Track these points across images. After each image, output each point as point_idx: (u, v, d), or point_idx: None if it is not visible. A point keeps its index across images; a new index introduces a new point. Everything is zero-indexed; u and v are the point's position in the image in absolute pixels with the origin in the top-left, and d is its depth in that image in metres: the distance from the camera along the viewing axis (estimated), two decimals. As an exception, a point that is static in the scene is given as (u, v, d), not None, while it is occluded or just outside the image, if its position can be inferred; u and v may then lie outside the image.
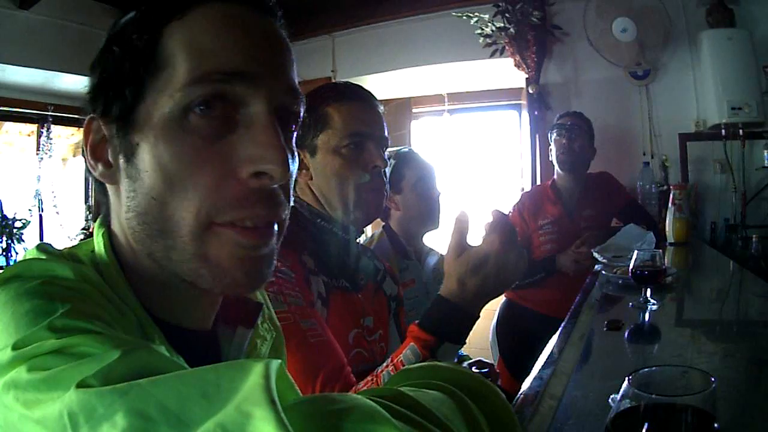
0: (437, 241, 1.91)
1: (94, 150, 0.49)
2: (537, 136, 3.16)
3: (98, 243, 0.50)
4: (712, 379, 0.42)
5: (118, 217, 0.50)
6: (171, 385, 0.31)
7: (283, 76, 0.48)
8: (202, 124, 0.45)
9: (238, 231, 0.46)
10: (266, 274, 0.48)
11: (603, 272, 1.77)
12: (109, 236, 0.51)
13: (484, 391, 0.43)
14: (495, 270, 0.78)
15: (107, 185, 0.51)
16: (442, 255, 1.88)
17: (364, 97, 1.06)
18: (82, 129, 0.50)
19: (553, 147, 2.43)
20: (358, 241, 1.15)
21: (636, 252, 1.31)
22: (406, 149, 1.81)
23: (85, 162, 0.50)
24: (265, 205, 0.46)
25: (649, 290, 1.31)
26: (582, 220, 2.36)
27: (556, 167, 2.44)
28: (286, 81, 0.48)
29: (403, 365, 0.79)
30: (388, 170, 1.66)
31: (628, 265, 1.35)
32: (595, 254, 1.95)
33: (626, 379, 0.43)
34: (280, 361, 0.32)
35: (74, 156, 3.98)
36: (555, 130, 2.41)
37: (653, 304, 1.28)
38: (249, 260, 0.46)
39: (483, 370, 1.57)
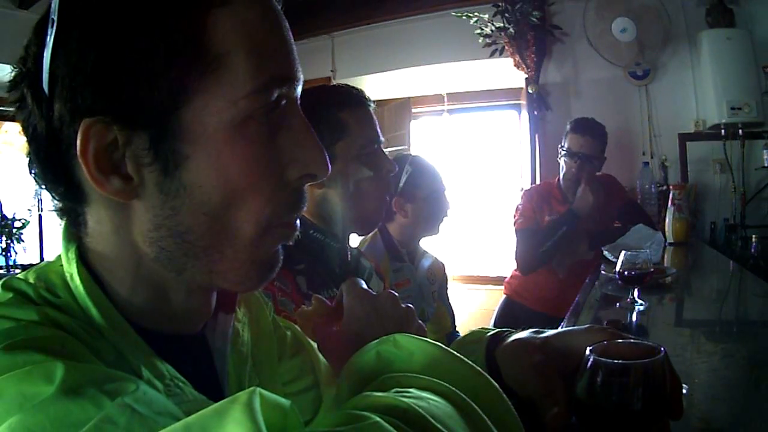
0: (432, 243, 1.91)
1: (98, 161, 0.40)
2: (536, 136, 3.16)
3: (69, 263, 0.44)
4: (662, 349, 0.47)
5: (120, 230, 0.43)
6: None
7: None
8: (259, 130, 0.42)
9: (285, 226, 0.46)
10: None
11: (603, 272, 1.77)
12: (81, 257, 0.44)
13: (489, 390, 0.41)
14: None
15: (100, 197, 0.42)
16: (436, 257, 1.88)
17: (367, 100, 1.06)
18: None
19: (562, 163, 2.36)
20: (348, 244, 1.15)
21: (623, 253, 1.31)
22: (416, 155, 1.80)
23: (88, 175, 0.40)
24: (305, 201, 0.47)
25: (636, 291, 1.31)
26: (583, 221, 2.36)
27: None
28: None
29: None
30: (403, 177, 1.67)
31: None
32: (606, 253, 1.96)
33: (587, 349, 0.48)
34: (258, 393, 0.30)
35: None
36: (567, 154, 2.32)
37: (640, 305, 1.29)
38: (279, 252, 0.47)
39: None
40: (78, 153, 0.39)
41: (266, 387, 0.52)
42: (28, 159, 0.44)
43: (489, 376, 0.42)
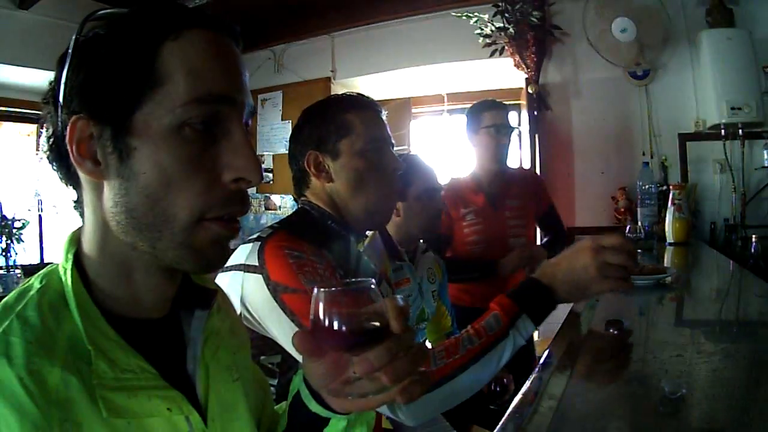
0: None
1: (79, 147, 0.53)
2: (536, 136, 3.16)
3: (66, 261, 0.55)
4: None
5: (96, 209, 0.56)
6: None
7: (248, 96, 0.58)
8: (195, 136, 0.53)
9: (221, 224, 0.55)
10: (228, 257, 0.60)
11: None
12: (76, 259, 0.56)
13: None
14: (579, 267, 0.98)
15: (84, 181, 0.56)
16: (436, 257, 1.88)
17: (376, 106, 1.15)
18: (47, 123, 0.56)
19: (484, 141, 2.27)
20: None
21: None
22: (411, 153, 1.79)
23: (72, 157, 0.53)
24: (242, 203, 0.56)
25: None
26: (506, 210, 2.30)
27: (482, 161, 2.32)
28: (249, 100, 0.58)
29: (485, 330, 0.96)
30: None
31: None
32: None
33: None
34: None
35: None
36: (493, 128, 2.25)
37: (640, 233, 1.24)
38: (224, 247, 0.56)
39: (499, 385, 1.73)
40: (67, 141, 0.53)
41: (246, 385, 0.68)
42: (47, 153, 0.57)
43: None
